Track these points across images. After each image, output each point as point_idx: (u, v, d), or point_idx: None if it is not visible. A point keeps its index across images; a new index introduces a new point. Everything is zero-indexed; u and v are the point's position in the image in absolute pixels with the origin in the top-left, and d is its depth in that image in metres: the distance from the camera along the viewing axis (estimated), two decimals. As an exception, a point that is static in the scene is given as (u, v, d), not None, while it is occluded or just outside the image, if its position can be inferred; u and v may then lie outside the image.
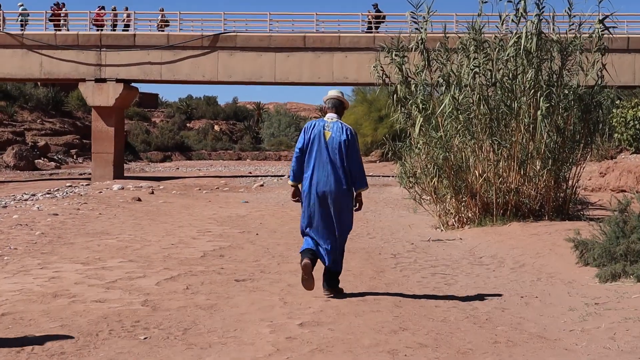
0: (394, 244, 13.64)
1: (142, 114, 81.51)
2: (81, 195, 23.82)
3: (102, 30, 36.20)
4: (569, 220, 15.07)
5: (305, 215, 8.19)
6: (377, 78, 17.11)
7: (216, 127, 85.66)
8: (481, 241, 13.53)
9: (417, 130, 15.83)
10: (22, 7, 37.01)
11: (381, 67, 16.99)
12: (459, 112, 15.60)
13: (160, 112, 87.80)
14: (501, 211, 15.46)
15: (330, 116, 8.32)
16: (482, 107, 15.18)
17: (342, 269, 8.43)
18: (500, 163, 15.43)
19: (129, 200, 22.34)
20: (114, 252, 11.88)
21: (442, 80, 16.10)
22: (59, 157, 59.63)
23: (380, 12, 36.25)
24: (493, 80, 15.43)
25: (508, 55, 15.14)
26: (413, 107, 16.13)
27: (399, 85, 16.34)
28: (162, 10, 36.99)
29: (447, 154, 15.55)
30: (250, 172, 44.63)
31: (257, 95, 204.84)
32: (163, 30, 36.17)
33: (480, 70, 15.20)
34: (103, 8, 36.89)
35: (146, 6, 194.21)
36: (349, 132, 8.15)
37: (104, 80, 35.73)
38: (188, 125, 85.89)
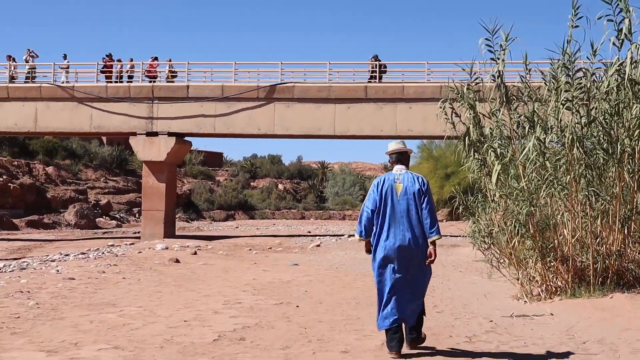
0: (467, 322, 10.55)
1: (206, 173, 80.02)
2: (116, 256, 21.29)
3: (154, 81, 33.92)
4: (687, 291, 11.83)
5: (384, 278, 7.93)
6: (445, 121, 14.04)
7: (280, 186, 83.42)
8: (578, 318, 10.39)
9: (494, 180, 12.73)
10: (66, 59, 35.13)
11: (451, 107, 13.94)
12: (545, 158, 12.50)
13: (225, 171, 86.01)
14: (599, 279, 12.29)
15: (398, 168, 8.13)
16: (575, 150, 12.00)
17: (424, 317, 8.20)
18: (598, 220, 12.24)
19: (166, 261, 19.68)
20: (103, 333, 9.02)
21: (524, 120, 13.04)
22: (121, 215, 58.58)
23: (381, 62, 33.39)
24: (589, 118, 12.27)
25: (608, 86, 12.01)
26: (489, 152, 13.05)
27: (471, 127, 13.27)
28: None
29: (532, 208, 12.41)
30: (309, 232, 41.68)
31: (321, 154, 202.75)
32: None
33: (573, 105, 12.08)
34: (156, 59, 34.68)
35: (198, 56, 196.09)
36: (421, 180, 7.97)
37: (155, 134, 33.38)
38: (252, 184, 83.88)
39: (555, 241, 12.63)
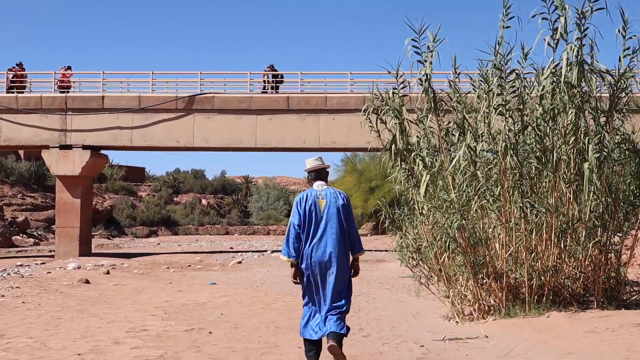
0: (396, 347, 9.54)
1: (128, 188, 77.80)
2: (22, 277, 19.71)
3: (67, 92, 32.22)
4: (627, 309, 11.03)
5: (308, 290, 7.79)
6: (369, 131, 13.06)
7: (204, 201, 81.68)
8: (516, 340, 9.50)
9: (422, 191, 11.76)
10: None
11: (376, 113, 12.96)
12: (477, 168, 11.61)
13: (147, 186, 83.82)
14: (535, 297, 11.42)
15: (319, 184, 8.00)
16: (508, 159, 11.10)
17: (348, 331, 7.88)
18: (533, 233, 11.37)
19: (75, 282, 18.23)
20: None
21: (453, 127, 12.12)
22: (39, 233, 56.23)
23: (277, 72, 32.64)
24: (523, 124, 11.39)
25: (543, 89, 11.16)
26: (416, 161, 12.08)
27: (397, 134, 12.28)
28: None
29: (463, 221, 11.46)
30: (232, 247, 40.27)
31: (245, 169, 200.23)
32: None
33: (506, 110, 11.18)
34: (69, 68, 32.97)
35: (114, 67, 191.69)
36: (343, 196, 7.96)
37: (69, 147, 31.68)
38: (175, 199, 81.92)
39: (488, 257, 11.72)
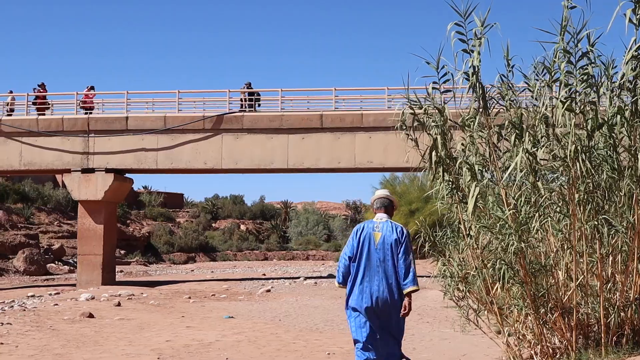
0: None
1: (166, 215, 76.14)
2: (24, 309, 17.62)
3: (90, 113, 30.24)
4: None
5: (358, 328, 7.44)
6: (407, 149, 10.56)
7: (242, 227, 79.62)
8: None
9: (470, 207, 9.26)
10: (11, 94, 31.48)
11: (415, 121, 10.52)
12: (537, 178, 9.17)
13: (186, 212, 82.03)
14: (613, 338, 8.86)
15: (380, 216, 7.82)
16: (579, 164, 8.61)
17: None
18: (610, 258, 8.88)
19: (77, 316, 16.11)
20: None
21: (508, 127, 9.65)
22: (74, 260, 54.45)
23: (252, 90, 30.48)
24: (596, 121, 8.90)
25: (623, 77, 8.68)
26: (463, 171, 9.62)
27: (439, 138, 9.83)
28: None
29: (522, 244, 8.98)
30: (264, 274, 37.88)
31: (284, 194, 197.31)
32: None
33: (577, 102, 8.73)
34: (92, 88, 31.01)
35: (138, 86, 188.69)
36: (399, 230, 7.66)
37: (91, 170, 29.63)
38: (213, 225, 80.00)
39: (554, 288, 9.22)
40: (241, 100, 30.06)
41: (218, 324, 14.92)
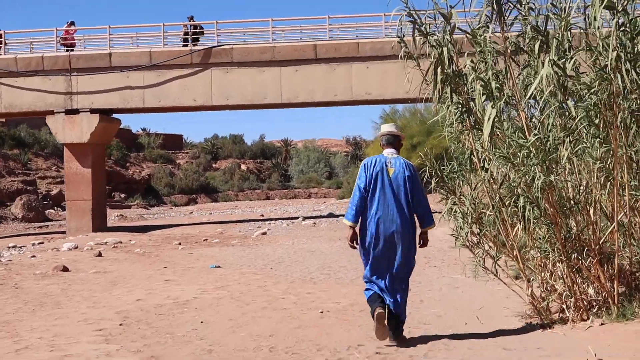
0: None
1: (166, 156, 74.85)
2: (-2, 262, 15.92)
3: (71, 50, 28.17)
4: None
5: (370, 260, 7.30)
6: (408, 78, 8.54)
7: (243, 167, 78.17)
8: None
9: (486, 132, 7.42)
10: None
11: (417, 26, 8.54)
12: (566, 95, 7.37)
13: (185, 154, 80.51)
14: (663, 289, 7.16)
15: (389, 151, 7.56)
16: (622, 76, 6.77)
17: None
18: (659, 192, 7.13)
19: (50, 270, 14.43)
20: None
21: (530, 35, 7.77)
22: (72, 205, 53.02)
23: (197, 23, 28.49)
24: (634, 26, 7.00)
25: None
26: (477, 87, 7.76)
27: (445, 50, 7.93)
28: (192, 19, 28.61)
29: (551, 177, 7.21)
30: (262, 215, 36.13)
31: (285, 132, 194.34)
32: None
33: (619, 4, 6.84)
34: (73, 24, 28.84)
35: (121, 21, 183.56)
36: (411, 168, 7.51)
37: (76, 111, 27.73)
38: (214, 165, 78.64)
39: (590, 230, 7.47)
40: (183, 34, 28.12)
41: (201, 275, 13.20)
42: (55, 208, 50.34)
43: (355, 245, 7.29)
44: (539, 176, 7.12)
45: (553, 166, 7.25)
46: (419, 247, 7.46)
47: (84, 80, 27.63)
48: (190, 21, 28.23)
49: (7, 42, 28.50)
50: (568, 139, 7.33)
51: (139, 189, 63.69)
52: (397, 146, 7.69)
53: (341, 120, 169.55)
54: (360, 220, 7.30)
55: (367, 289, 7.33)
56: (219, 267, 14.45)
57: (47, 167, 59.91)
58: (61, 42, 28.31)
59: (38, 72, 27.74)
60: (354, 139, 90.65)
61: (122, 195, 60.03)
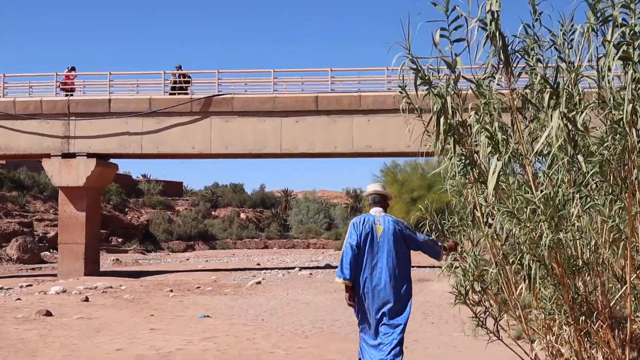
0: None
1: (165, 203, 74.25)
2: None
3: (71, 95, 27.84)
4: None
5: (361, 317, 7.28)
6: (409, 132, 8.10)
7: (242, 215, 77.56)
8: None
9: (491, 185, 6.89)
10: None
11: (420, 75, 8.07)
12: (577, 150, 6.89)
13: (185, 201, 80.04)
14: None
15: (377, 210, 7.58)
16: (637, 132, 6.30)
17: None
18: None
19: (33, 315, 13.80)
20: None
21: (539, 85, 7.31)
22: (68, 249, 52.45)
23: (184, 72, 28.37)
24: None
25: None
26: (482, 140, 7.27)
27: (448, 99, 7.46)
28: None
29: (560, 234, 6.68)
30: (259, 264, 35.48)
31: (285, 183, 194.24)
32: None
33: (636, 48, 6.39)
34: (74, 69, 28.59)
35: (122, 67, 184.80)
36: (401, 223, 7.59)
37: (72, 155, 27.32)
38: (213, 213, 78.00)
39: (600, 291, 6.95)
40: (173, 82, 27.89)
41: (189, 325, 12.63)
42: (51, 250, 49.89)
43: (353, 303, 7.28)
44: (547, 233, 6.62)
45: (563, 223, 6.75)
46: (451, 248, 7.71)
47: (82, 125, 27.27)
48: (178, 70, 27.96)
49: (6, 85, 28.17)
50: (577, 195, 6.85)
51: (137, 234, 63.22)
52: (384, 205, 7.74)
53: (341, 172, 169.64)
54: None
55: (361, 347, 7.36)
56: (208, 316, 13.89)
57: (45, 210, 59.52)
58: (61, 86, 28.03)
59: (36, 115, 27.42)
60: (354, 191, 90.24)
61: (120, 240, 59.53)
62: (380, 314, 7.25)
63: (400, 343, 7.32)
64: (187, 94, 27.65)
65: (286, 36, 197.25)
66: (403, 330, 7.38)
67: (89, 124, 27.23)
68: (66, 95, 27.84)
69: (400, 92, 8.01)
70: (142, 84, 28.64)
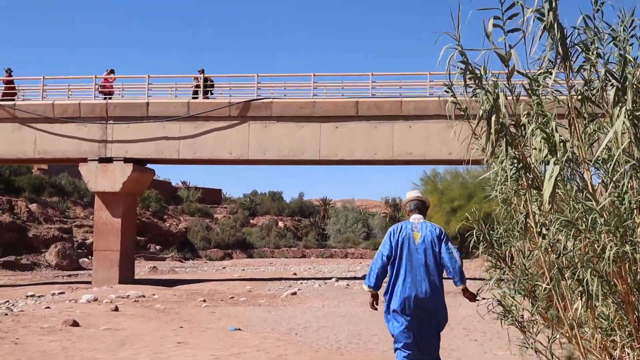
0: None
1: (203, 210, 74.02)
2: (6, 314, 14.86)
3: (109, 98, 27.50)
4: None
5: (399, 329, 7.07)
6: (454, 137, 7.45)
7: (280, 224, 77.01)
8: None
9: (547, 192, 6.13)
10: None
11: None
12: (645, 152, 6.10)
13: (224, 208, 79.67)
14: None
15: (416, 217, 7.40)
16: None
17: None
18: None
19: (60, 324, 13.28)
20: None
21: (604, 80, 6.55)
22: (107, 255, 52.28)
23: (207, 76, 27.77)
24: None
25: None
26: (538, 139, 6.51)
27: (501, 95, 6.71)
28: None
29: (626, 247, 5.92)
30: (295, 274, 34.77)
31: (324, 191, 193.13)
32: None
33: None
34: (112, 72, 28.24)
35: (160, 71, 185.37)
36: (438, 230, 7.32)
37: (109, 160, 26.93)
38: (251, 221, 77.57)
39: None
40: (194, 86, 27.55)
41: (218, 338, 11.98)
42: (90, 257, 49.71)
43: (376, 306, 7.17)
44: (611, 246, 5.85)
45: (629, 235, 5.97)
46: (471, 299, 7.32)
47: (120, 129, 26.89)
48: (201, 74, 27.51)
49: (45, 87, 27.91)
50: (645, 204, 6.07)
51: (175, 242, 63.05)
52: (424, 212, 7.58)
53: (380, 181, 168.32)
54: (390, 287, 7.18)
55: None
56: (239, 329, 13.22)
57: (84, 216, 59.54)
58: (99, 89, 27.68)
59: (74, 119, 27.08)
60: (392, 200, 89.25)
61: (158, 247, 59.36)
62: (420, 322, 7.06)
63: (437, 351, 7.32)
64: (207, 98, 27.23)
65: (324, 44, 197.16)
66: (439, 339, 7.35)
67: (127, 128, 26.84)
68: (104, 98, 27.50)
69: (446, 92, 7.32)
70: (180, 87, 28.23)
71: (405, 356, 7.11)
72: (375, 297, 7.16)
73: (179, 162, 28.05)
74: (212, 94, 27.70)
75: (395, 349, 7.21)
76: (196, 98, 27.15)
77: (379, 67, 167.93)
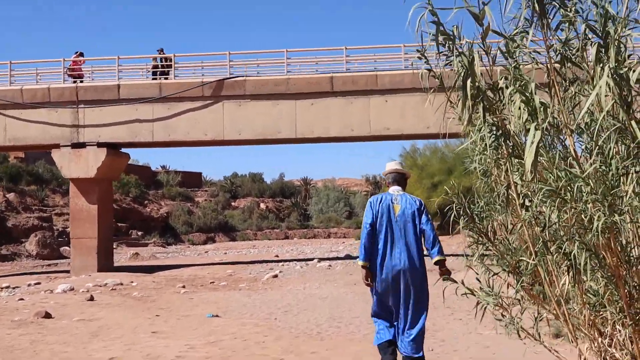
0: None
1: (184, 194, 73.31)
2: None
3: (80, 82, 26.83)
4: None
5: (377, 300, 7.20)
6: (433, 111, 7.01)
7: (262, 205, 76.52)
8: None
9: (529, 160, 5.67)
10: None
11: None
12: (630, 114, 5.67)
13: (204, 192, 79.03)
14: None
15: (395, 189, 7.45)
16: None
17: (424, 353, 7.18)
18: None
19: (32, 316, 12.82)
20: None
21: (584, 38, 6.09)
22: (87, 242, 51.67)
23: (166, 55, 27.26)
24: None
25: None
26: (517, 104, 6.05)
27: (476, 56, 6.23)
28: (162, 52, 27.32)
29: (615, 216, 5.49)
30: (277, 256, 34.31)
31: (304, 171, 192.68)
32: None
33: None
34: (82, 54, 27.53)
35: (133, 51, 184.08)
36: (418, 202, 7.37)
37: (82, 145, 26.30)
38: (233, 204, 77.02)
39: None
40: (152, 66, 26.96)
41: (195, 326, 11.53)
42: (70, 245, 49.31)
43: (370, 283, 7.11)
44: (599, 216, 5.44)
45: (618, 204, 5.56)
46: (440, 276, 7.02)
47: (92, 113, 26.26)
48: (160, 54, 26.90)
49: (13, 72, 27.19)
50: (634, 169, 5.65)
51: (157, 227, 62.52)
52: (403, 184, 7.57)
53: (360, 159, 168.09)
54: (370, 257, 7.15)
55: (377, 333, 7.19)
56: (217, 316, 12.78)
57: (64, 204, 58.82)
58: (68, 73, 27.00)
59: (44, 104, 26.42)
60: (373, 178, 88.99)
61: (140, 233, 58.80)
62: (400, 295, 7.06)
63: (423, 331, 7.21)
64: (167, 78, 26.63)
65: (296, 19, 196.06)
66: (424, 329, 7.21)
67: (99, 112, 26.20)
68: (74, 81, 26.81)
69: (419, 58, 6.85)
70: (151, 68, 27.58)
71: (382, 328, 7.13)
72: (367, 273, 7.09)
73: (153, 145, 27.46)
74: (168, 74, 26.90)
75: (373, 318, 7.33)
76: (155, 79, 26.49)
77: (354, 41, 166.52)
